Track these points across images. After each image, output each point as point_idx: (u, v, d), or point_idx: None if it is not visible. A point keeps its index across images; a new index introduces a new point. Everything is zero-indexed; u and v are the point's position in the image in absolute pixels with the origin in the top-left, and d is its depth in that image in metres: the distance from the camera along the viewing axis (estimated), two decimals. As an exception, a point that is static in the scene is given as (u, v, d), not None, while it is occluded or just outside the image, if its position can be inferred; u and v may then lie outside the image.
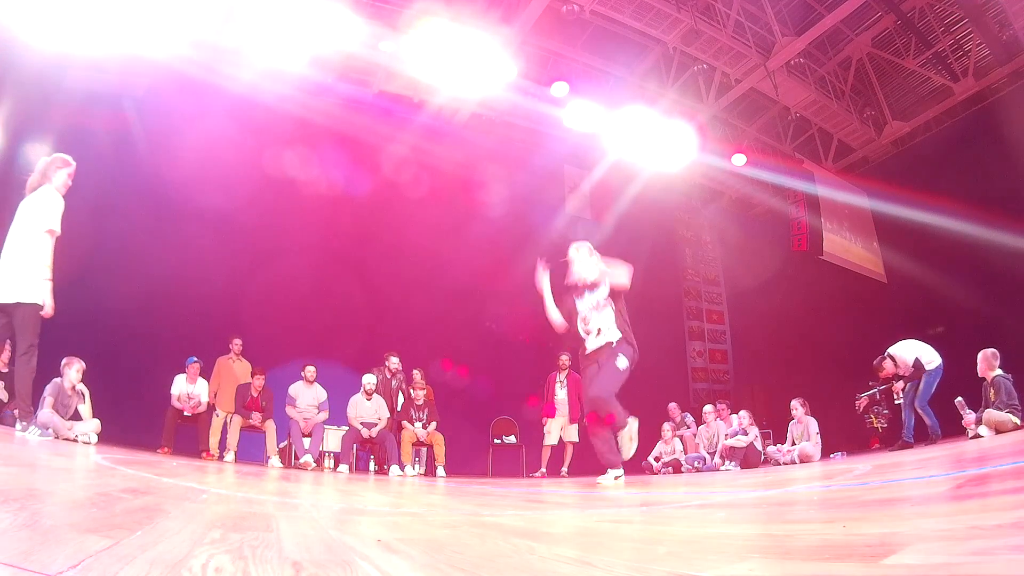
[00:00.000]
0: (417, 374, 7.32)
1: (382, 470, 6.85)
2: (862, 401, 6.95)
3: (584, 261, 4.01)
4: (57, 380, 5.22)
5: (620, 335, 3.84)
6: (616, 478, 3.93)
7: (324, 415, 6.81)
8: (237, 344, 7.09)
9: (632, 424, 3.77)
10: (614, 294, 3.91)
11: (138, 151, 7.43)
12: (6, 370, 5.59)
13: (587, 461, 7.97)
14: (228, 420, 6.54)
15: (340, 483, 3.99)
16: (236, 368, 7.01)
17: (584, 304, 3.95)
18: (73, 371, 5.26)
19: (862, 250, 10.83)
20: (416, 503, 2.57)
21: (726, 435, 7.40)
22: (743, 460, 7.06)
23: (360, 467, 7.24)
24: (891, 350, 6.51)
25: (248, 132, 7.80)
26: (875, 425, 6.71)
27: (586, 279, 3.98)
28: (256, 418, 6.43)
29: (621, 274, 3.88)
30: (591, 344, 3.91)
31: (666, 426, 7.86)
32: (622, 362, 3.74)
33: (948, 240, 8.15)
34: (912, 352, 6.32)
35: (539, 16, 7.74)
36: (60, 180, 4.24)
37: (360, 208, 8.74)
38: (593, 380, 3.80)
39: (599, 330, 3.87)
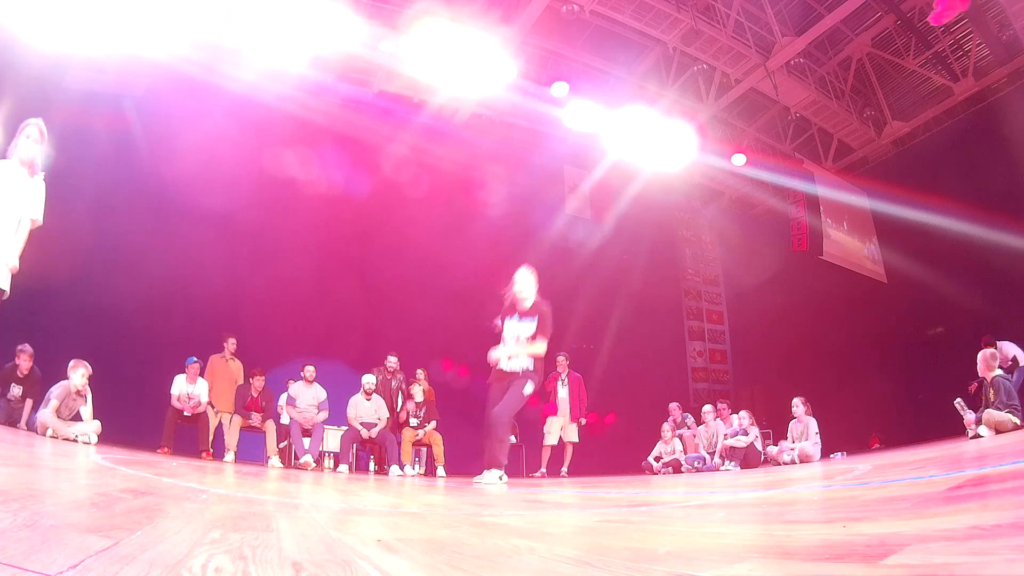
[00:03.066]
0: (420, 373, 7.32)
1: (382, 470, 6.84)
2: (973, 386, 7.16)
3: (528, 286, 4.36)
4: (64, 382, 5.23)
5: (530, 365, 4.26)
6: (500, 478, 4.16)
7: (324, 415, 6.81)
8: (231, 343, 7.04)
9: (497, 475, 4.14)
10: (539, 336, 4.25)
11: (138, 151, 7.42)
12: (26, 373, 5.65)
13: (587, 461, 7.98)
14: (229, 420, 6.54)
15: (340, 483, 3.99)
16: (229, 367, 6.97)
17: (510, 330, 4.34)
18: (78, 374, 5.27)
19: (862, 250, 10.83)
20: (416, 503, 2.57)
21: (726, 435, 7.40)
22: (743, 460, 7.06)
23: (360, 467, 7.23)
24: (998, 342, 6.72)
25: (248, 132, 7.80)
26: None
27: (524, 305, 4.32)
28: (256, 418, 6.42)
29: (540, 346, 4.28)
30: (504, 365, 4.35)
31: (666, 426, 7.85)
32: (528, 388, 4.25)
33: (948, 240, 8.14)
34: (1012, 348, 6.62)
35: (539, 16, 7.74)
36: (23, 149, 3.73)
37: (360, 208, 8.73)
38: (500, 400, 4.26)
39: (514, 357, 4.31)
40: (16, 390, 5.60)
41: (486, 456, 4.24)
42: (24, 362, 5.68)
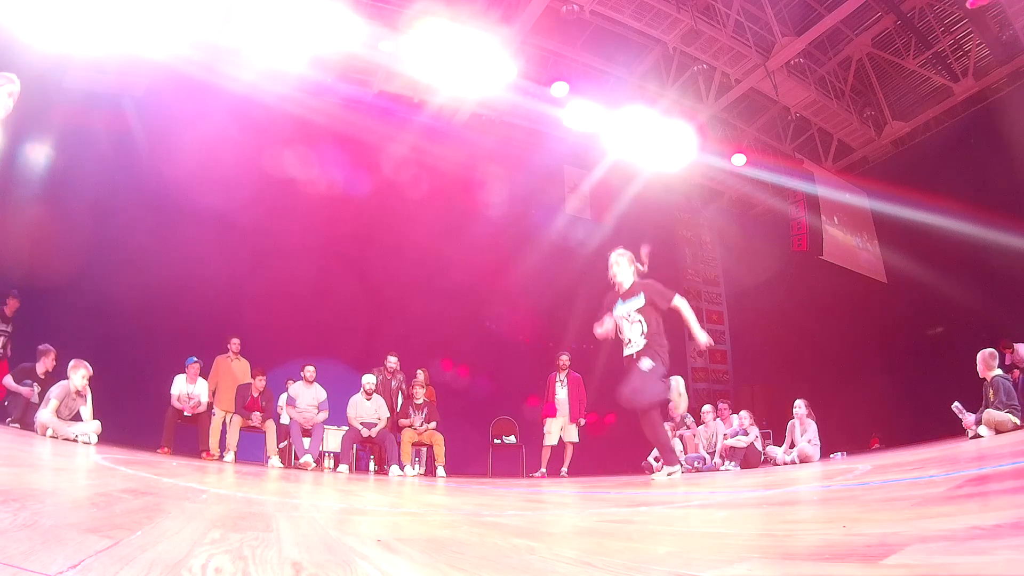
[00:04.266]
0: (421, 374, 7.32)
1: (382, 470, 6.84)
2: None
3: (621, 266, 4.28)
4: (64, 382, 5.23)
5: (644, 344, 4.06)
6: (670, 475, 4.16)
7: (324, 415, 6.81)
8: (235, 343, 7.08)
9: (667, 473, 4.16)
10: (647, 311, 4.11)
11: (138, 151, 7.42)
12: (43, 377, 5.67)
13: (587, 461, 7.98)
14: (228, 420, 6.54)
15: (340, 483, 3.99)
16: (234, 367, 7.00)
17: (619, 311, 4.22)
18: (78, 375, 5.26)
19: (862, 250, 10.82)
20: (416, 503, 2.57)
21: (725, 435, 7.39)
22: (743, 460, 7.06)
23: (360, 467, 7.23)
24: (1015, 344, 6.76)
25: (248, 132, 7.79)
26: None
27: (621, 284, 4.25)
28: (256, 418, 6.42)
29: (666, 296, 4.17)
30: (625, 351, 4.20)
31: (666, 426, 7.84)
32: (645, 364, 3.99)
33: (948, 240, 8.14)
34: None
35: (539, 16, 7.74)
36: None
37: (360, 208, 8.73)
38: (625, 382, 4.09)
39: (629, 340, 4.16)
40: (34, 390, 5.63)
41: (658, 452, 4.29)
42: (49, 363, 5.77)
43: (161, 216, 7.32)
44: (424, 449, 7.23)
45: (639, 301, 4.11)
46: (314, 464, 6.34)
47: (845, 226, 10.67)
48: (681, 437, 7.85)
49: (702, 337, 4.08)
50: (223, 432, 6.44)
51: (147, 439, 6.12)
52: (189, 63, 7.02)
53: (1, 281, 6.10)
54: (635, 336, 4.11)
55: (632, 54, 9.43)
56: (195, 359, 6.59)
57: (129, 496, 1.60)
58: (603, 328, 4.25)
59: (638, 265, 4.32)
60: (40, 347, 5.84)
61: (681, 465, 4.17)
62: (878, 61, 9.80)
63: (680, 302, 4.11)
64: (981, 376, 5.72)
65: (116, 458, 3.53)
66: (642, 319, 4.08)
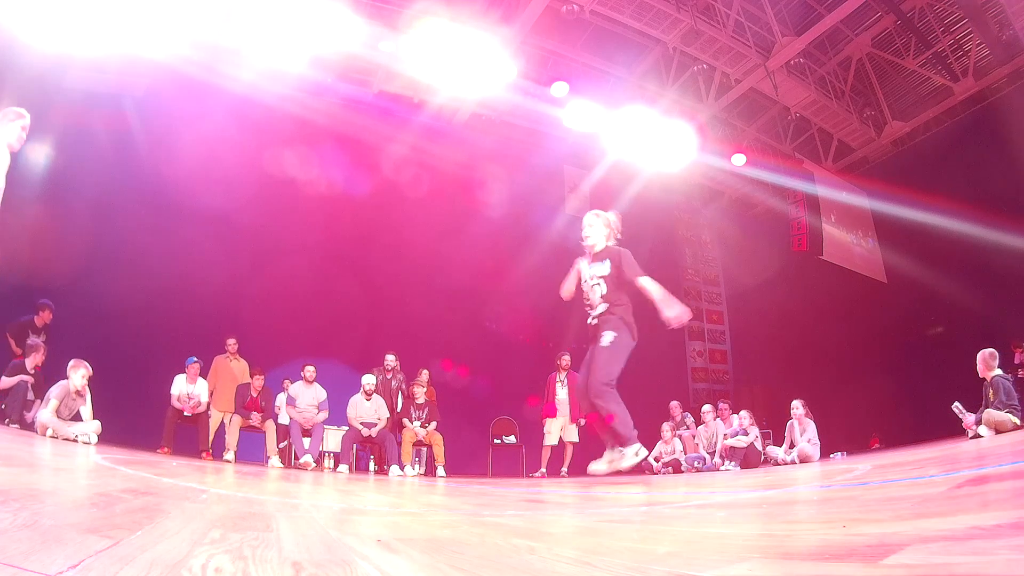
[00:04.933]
0: (425, 373, 7.32)
1: (382, 470, 6.84)
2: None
3: (595, 228, 3.89)
4: (64, 382, 5.23)
5: (605, 308, 3.71)
6: (636, 454, 3.50)
7: (324, 415, 6.81)
8: (232, 344, 7.07)
9: (631, 451, 3.46)
10: (609, 278, 3.75)
11: (138, 151, 7.42)
12: (33, 372, 5.67)
13: (587, 461, 7.96)
14: (227, 420, 6.54)
15: (340, 483, 3.99)
16: (233, 367, 7.00)
17: (585, 273, 3.87)
18: (78, 375, 5.26)
19: (862, 250, 10.83)
20: (416, 503, 2.57)
21: (725, 435, 7.40)
22: (743, 460, 7.06)
23: (360, 467, 7.23)
24: None
25: (248, 132, 7.79)
26: None
27: (593, 246, 3.88)
28: (255, 418, 6.43)
29: (634, 270, 3.72)
30: (589, 318, 3.86)
31: (666, 426, 7.85)
32: (606, 337, 3.57)
33: (948, 240, 8.13)
34: None
35: (539, 16, 7.74)
36: (13, 134, 3.78)
37: (360, 208, 8.73)
38: (584, 371, 3.70)
39: (592, 306, 3.83)
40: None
41: (608, 438, 3.56)
42: (38, 358, 5.75)
43: (161, 216, 7.32)
44: (424, 449, 7.23)
45: (604, 268, 3.78)
46: (314, 464, 6.34)
47: (845, 226, 10.67)
48: (681, 437, 7.85)
49: (671, 311, 3.52)
50: (220, 432, 6.45)
51: (147, 439, 6.12)
52: (189, 63, 7.02)
53: (0, 282, 6.10)
54: (595, 299, 3.79)
55: (632, 54, 9.42)
56: (195, 359, 6.59)
57: (129, 496, 1.60)
58: (564, 289, 3.91)
59: (615, 230, 3.97)
60: (29, 342, 5.85)
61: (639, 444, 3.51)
62: (878, 61, 9.80)
63: (646, 282, 3.67)
64: (981, 376, 5.72)
65: (116, 458, 3.53)
66: (602, 283, 3.76)
